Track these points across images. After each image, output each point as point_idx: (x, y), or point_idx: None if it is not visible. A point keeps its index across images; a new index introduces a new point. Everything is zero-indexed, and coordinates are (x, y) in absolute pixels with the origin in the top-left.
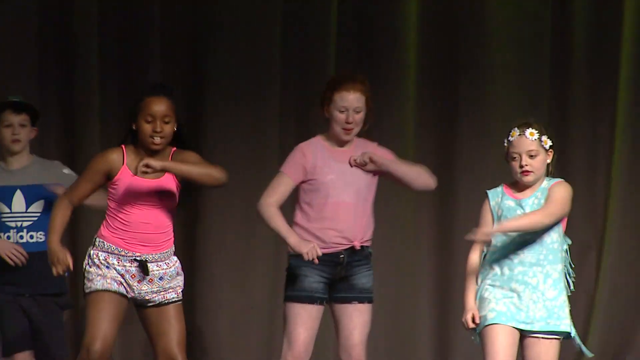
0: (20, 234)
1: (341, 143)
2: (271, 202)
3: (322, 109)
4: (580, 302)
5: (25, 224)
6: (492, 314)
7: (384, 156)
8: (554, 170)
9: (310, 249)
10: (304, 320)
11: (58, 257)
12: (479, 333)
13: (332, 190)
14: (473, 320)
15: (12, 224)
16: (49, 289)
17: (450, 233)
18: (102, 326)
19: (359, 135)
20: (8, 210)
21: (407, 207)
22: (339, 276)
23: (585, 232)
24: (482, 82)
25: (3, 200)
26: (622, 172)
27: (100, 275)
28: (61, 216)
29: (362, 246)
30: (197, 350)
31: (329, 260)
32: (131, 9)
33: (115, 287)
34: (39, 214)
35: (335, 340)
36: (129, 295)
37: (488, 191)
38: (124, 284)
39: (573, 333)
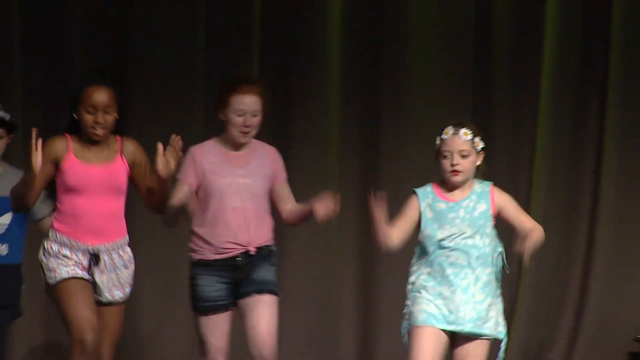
0: None
1: (237, 147)
2: None
3: (218, 112)
4: (503, 301)
5: None
6: (423, 315)
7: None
8: (482, 174)
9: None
10: (212, 329)
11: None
12: (407, 331)
13: (226, 196)
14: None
15: None
16: (5, 300)
17: (373, 232)
18: (86, 314)
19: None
20: None
21: None
22: (240, 279)
23: (508, 231)
24: (406, 81)
25: None
26: (543, 172)
27: (61, 263)
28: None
29: (260, 247)
30: (121, 349)
31: (226, 264)
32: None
33: (80, 272)
34: (6, 226)
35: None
36: (90, 278)
37: (417, 190)
38: (85, 270)
39: (502, 336)
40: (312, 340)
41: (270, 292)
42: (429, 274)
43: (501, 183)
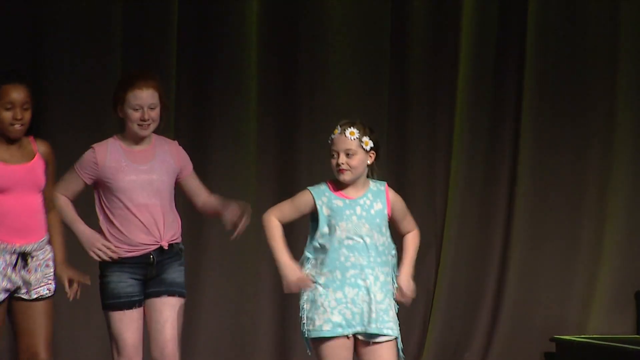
0: None
1: (138, 142)
2: (61, 194)
3: (115, 110)
4: (421, 300)
5: None
6: (328, 326)
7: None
8: (377, 172)
9: (99, 249)
10: (127, 325)
11: None
12: (311, 339)
13: (132, 193)
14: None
15: None
16: None
17: (291, 233)
18: None
19: (158, 133)
20: None
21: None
22: (151, 276)
23: (425, 230)
24: (323, 83)
25: None
26: (460, 171)
27: None
28: None
29: (171, 244)
30: None
31: (139, 262)
32: None
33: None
34: None
35: (149, 338)
36: (6, 295)
37: (311, 189)
38: (5, 280)
39: (396, 335)
40: (229, 342)
41: (180, 294)
42: (329, 277)
43: (419, 184)
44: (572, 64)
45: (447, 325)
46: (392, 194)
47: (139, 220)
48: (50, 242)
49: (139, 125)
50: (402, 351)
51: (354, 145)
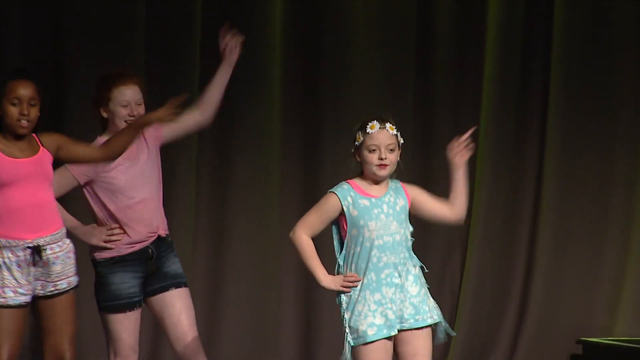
0: None
1: None
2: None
3: (99, 109)
4: (446, 302)
5: None
6: (373, 330)
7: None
8: (401, 167)
9: (107, 236)
10: (126, 326)
11: None
12: (355, 346)
13: (131, 190)
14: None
15: None
16: None
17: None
18: (5, 343)
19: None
20: None
21: (271, 206)
22: (151, 270)
23: (450, 232)
24: (347, 87)
25: None
26: (485, 172)
27: (3, 284)
28: None
29: (166, 234)
30: None
31: (139, 257)
32: None
33: (12, 299)
34: None
35: (166, 334)
36: (26, 300)
37: (335, 190)
38: (20, 284)
39: (442, 320)
40: (253, 342)
41: (185, 285)
42: (363, 281)
43: (444, 185)
44: (599, 65)
45: (472, 327)
46: (408, 187)
47: (142, 214)
48: (67, 233)
49: (126, 122)
50: (447, 330)
51: (394, 139)
